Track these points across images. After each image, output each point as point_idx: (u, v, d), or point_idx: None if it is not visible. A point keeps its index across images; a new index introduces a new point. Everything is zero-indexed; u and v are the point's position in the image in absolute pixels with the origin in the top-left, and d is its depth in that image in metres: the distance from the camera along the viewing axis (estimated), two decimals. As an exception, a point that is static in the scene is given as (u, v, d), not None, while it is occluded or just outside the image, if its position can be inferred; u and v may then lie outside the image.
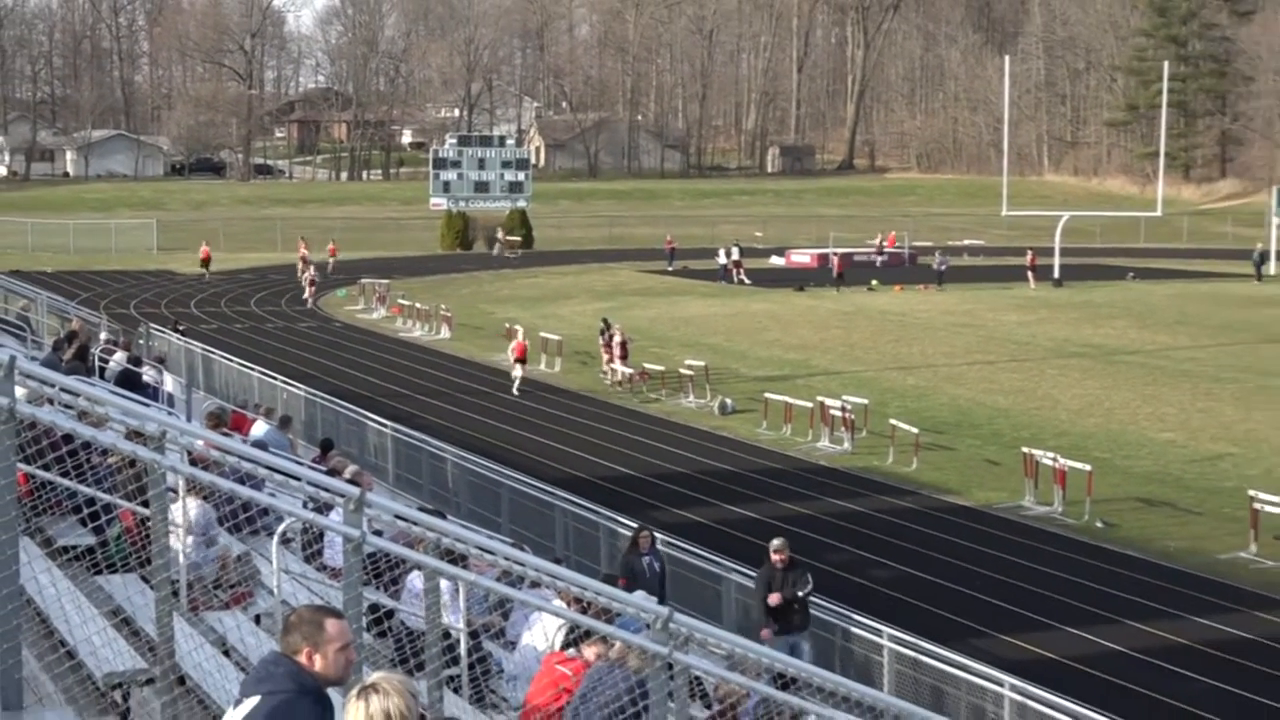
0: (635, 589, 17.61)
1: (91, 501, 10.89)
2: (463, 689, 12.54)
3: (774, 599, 20.17)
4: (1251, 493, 33.30)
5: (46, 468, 9.98)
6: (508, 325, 61.58)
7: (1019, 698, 19.98)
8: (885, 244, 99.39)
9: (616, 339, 52.97)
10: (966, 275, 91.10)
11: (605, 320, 56.70)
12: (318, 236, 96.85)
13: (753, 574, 25.20)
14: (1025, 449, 37.53)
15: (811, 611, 21.47)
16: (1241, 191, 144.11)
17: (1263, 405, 48.38)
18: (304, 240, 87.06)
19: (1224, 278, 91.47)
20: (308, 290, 76.38)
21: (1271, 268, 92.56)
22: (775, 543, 21.01)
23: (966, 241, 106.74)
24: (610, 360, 53.10)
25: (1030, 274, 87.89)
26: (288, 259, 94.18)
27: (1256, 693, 23.79)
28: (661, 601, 17.75)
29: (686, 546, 26.88)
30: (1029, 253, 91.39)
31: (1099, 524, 34.09)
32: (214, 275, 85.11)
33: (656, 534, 23.39)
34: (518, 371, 50.13)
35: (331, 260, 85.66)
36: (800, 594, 20.62)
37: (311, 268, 79.04)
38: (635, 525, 24.40)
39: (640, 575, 20.79)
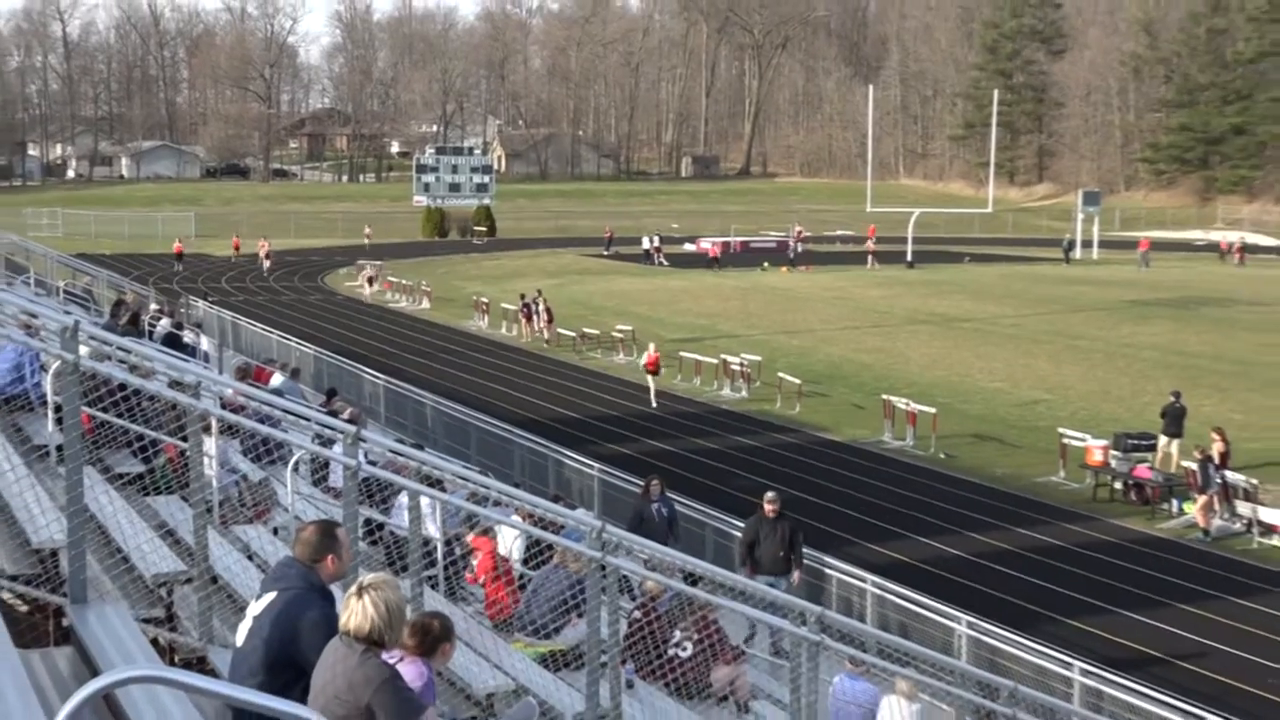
0: (642, 533, 17.24)
1: (141, 437, 10.82)
2: (439, 586, 12.51)
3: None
4: (1061, 430, 33.72)
5: (105, 410, 9.91)
6: (475, 297, 61.50)
7: (879, 592, 20.12)
8: (799, 233, 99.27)
9: (542, 307, 54.00)
10: (839, 259, 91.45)
11: (522, 295, 56.72)
12: (322, 228, 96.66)
13: (670, 496, 25.30)
14: (884, 396, 37.77)
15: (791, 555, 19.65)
16: (1054, 193, 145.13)
17: (1070, 361, 48.74)
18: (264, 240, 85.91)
19: (1040, 261, 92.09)
20: (266, 266, 77.01)
21: (1077, 253, 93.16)
22: (769, 495, 19.57)
23: (839, 231, 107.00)
24: (531, 325, 54.20)
25: (871, 258, 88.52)
26: (299, 245, 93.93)
27: (1066, 587, 24.04)
28: (668, 544, 17.55)
29: (619, 474, 26.91)
30: (868, 241, 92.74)
31: (942, 455, 34.32)
32: (239, 258, 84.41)
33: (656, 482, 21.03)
34: (651, 384, 41.26)
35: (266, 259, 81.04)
36: (785, 552, 18.92)
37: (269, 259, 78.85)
38: (646, 477, 21.98)
39: (649, 520, 19.36)
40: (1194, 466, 28.35)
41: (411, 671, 6.82)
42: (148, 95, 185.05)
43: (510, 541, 14.08)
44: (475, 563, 13.81)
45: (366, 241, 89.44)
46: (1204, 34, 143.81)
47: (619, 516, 21.64)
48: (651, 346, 42.39)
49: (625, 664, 10.20)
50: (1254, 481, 29.27)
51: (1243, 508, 28.03)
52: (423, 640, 7.06)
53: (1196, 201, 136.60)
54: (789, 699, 10.44)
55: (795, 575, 18.61)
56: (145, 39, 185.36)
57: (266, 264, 76.67)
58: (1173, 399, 33.13)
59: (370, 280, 62.20)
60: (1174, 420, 32.38)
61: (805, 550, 20.22)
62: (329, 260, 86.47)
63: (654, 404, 40.17)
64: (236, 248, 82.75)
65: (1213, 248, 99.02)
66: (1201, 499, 27.92)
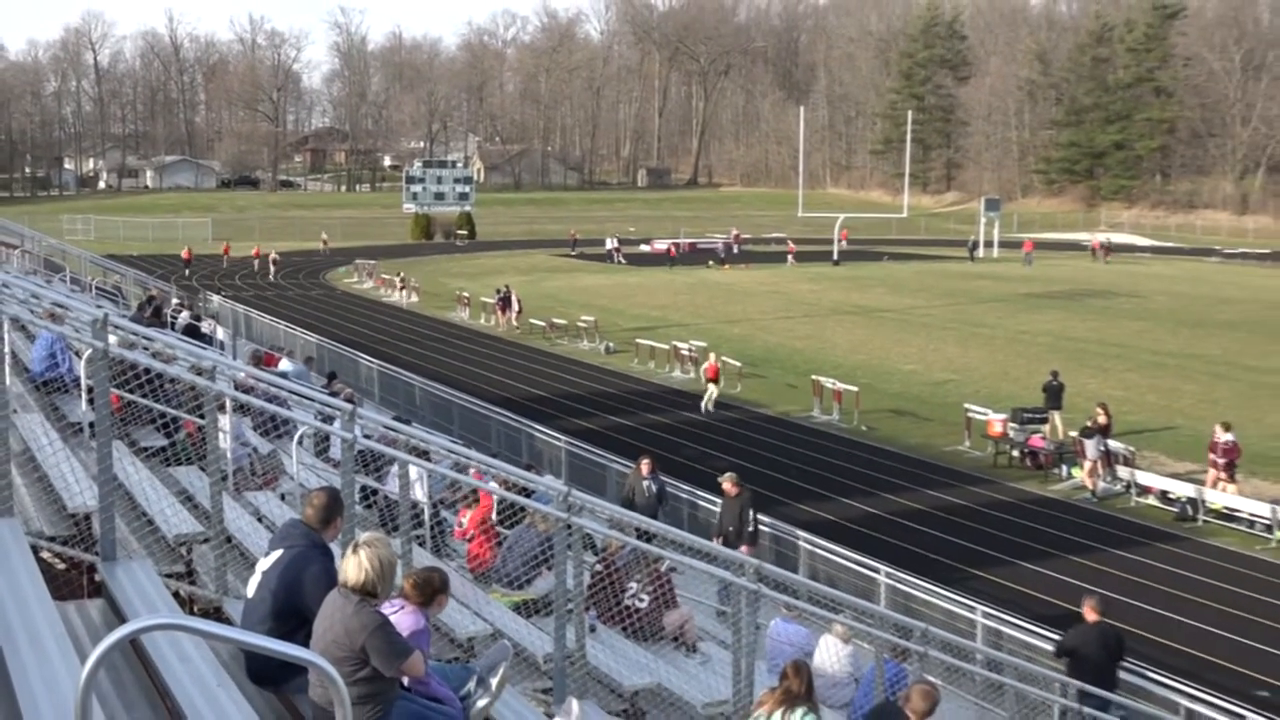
0: (634, 507, 16.99)
1: (164, 415, 10.79)
2: (426, 544, 12.51)
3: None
4: (966, 406, 33.87)
5: (132, 391, 9.88)
6: (458, 292, 61.32)
7: (809, 546, 20.21)
8: (735, 236, 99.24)
9: (514, 298, 54.64)
10: (774, 258, 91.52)
11: (498, 289, 57.01)
12: (320, 233, 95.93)
13: (626, 463, 25.31)
14: (814, 376, 37.89)
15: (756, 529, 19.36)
16: (960, 200, 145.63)
17: (975, 346, 48.99)
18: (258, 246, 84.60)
19: (948, 259, 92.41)
20: (272, 271, 75.28)
21: (980, 252, 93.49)
22: (726, 475, 19.10)
23: (775, 234, 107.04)
24: (505, 315, 54.32)
25: (790, 257, 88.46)
26: (304, 247, 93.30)
27: (970, 541, 24.20)
28: (657, 517, 17.47)
29: (584, 446, 26.91)
30: (788, 242, 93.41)
31: (864, 427, 34.47)
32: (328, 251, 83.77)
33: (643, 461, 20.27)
34: (712, 390, 36.46)
35: (256, 260, 79.53)
36: (736, 526, 18.44)
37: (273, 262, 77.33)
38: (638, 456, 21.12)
39: (640, 495, 19.06)
40: (1080, 435, 28.66)
41: (410, 620, 6.82)
42: (169, 115, 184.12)
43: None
44: (466, 518, 13.79)
45: (323, 246, 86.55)
46: (1089, 62, 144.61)
47: (583, 482, 21.69)
48: (712, 356, 37.91)
49: (588, 611, 10.20)
50: (1132, 449, 29.59)
51: (1123, 472, 28.31)
52: (423, 591, 7.06)
53: (1083, 207, 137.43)
54: (731, 640, 10.46)
55: (743, 548, 18.35)
56: (167, 66, 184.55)
57: (272, 268, 75.51)
58: (1051, 377, 33.49)
59: (402, 287, 60.41)
60: (1053, 396, 32.78)
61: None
62: (330, 260, 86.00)
63: (707, 409, 35.82)
64: (257, 255, 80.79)
65: (1105, 246, 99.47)
66: (1087, 464, 28.19)
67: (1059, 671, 15.12)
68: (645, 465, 19.59)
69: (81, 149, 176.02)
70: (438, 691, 6.82)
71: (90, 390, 9.12)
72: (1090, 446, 28.07)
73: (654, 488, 19.38)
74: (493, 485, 12.71)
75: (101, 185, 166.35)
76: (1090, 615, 15.03)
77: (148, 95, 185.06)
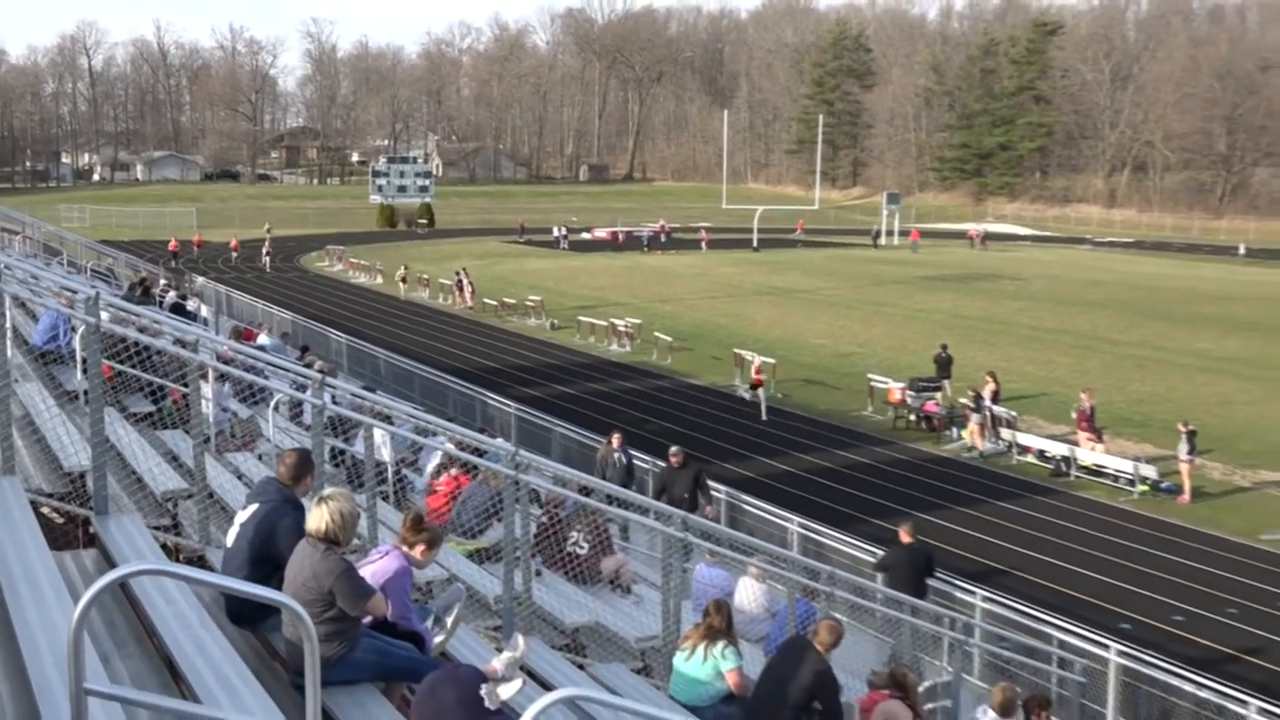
0: (605, 477, 16.61)
1: (152, 384, 10.67)
2: (389, 498, 12.46)
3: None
4: (869, 375, 34.11)
5: (123, 363, 9.77)
6: (419, 275, 60.92)
7: (730, 499, 20.29)
8: (662, 225, 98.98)
9: (467, 281, 54.36)
10: (696, 245, 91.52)
11: (457, 272, 56.62)
12: (297, 220, 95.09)
13: (569, 428, 25.31)
14: (736, 350, 37.97)
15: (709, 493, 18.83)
16: (866, 194, 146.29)
17: (877, 323, 49.30)
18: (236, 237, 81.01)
19: (854, 246, 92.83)
20: (266, 261, 71.28)
21: (882, 240, 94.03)
22: (673, 449, 18.46)
23: (701, 223, 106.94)
24: (462, 295, 53.95)
25: (703, 245, 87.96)
26: (279, 234, 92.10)
27: (872, 495, 24.38)
28: (629, 486, 17.19)
29: (531, 412, 26.87)
30: (702, 231, 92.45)
31: (779, 395, 34.58)
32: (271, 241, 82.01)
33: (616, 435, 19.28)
34: (761, 396, 32.31)
35: (234, 253, 73.68)
36: (690, 494, 17.51)
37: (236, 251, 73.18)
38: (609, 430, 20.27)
39: (610, 466, 18.31)
40: (968, 401, 28.98)
41: (392, 564, 6.80)
42: (157, 115, 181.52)
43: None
44: (441, 483, 13.68)
45: (266, 235, 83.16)
46: (978, 73, 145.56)
47: (530, 444, 21.65)
48: (757, 360, 33.76)
49: (534, 557, 10.21)
50: (1013, 413, 29.92)
51: (1005, 433, 28.63)
52: (418, 532, 7.07)
53: (972, 201, 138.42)
54: (661, 583, 10.50)
55: (707, 509, 18.09)
56: (155, 70, 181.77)
57: (234, 255, 71.90)
58: (941, 350, 33.75)
59: (404, 280, 57.74)
60: (942, 366, 33.03)
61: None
62: (301, 245, 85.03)
63: (764, 418, 31.41)
64: (235, 248, 77.08)
65: (982, 235, 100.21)
66: (973, 426, 28.50)
67: (953, 609, 15.31)
68: (615, 439, 19.00)
69: (77, 145, 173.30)
70: (416, 627, 6.84)
71: (84, 362, 9.00)
72: (973, 413, 28.50)
73: (623, 460, 18.88)
74: (449, 446, 12.68)
75: (95, 178, 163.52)
76: (905, 538, 16.02)
77: (138, 96, 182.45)
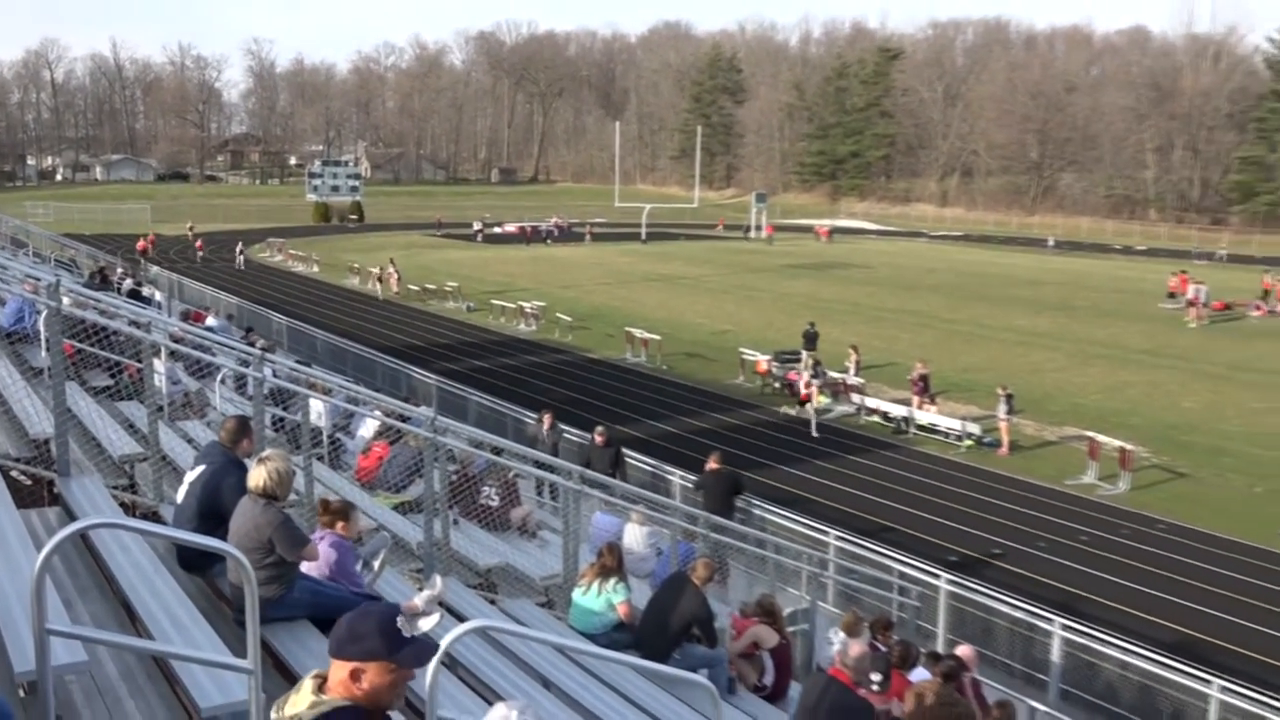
0: (537, 448, 16.07)
1: (110, 360, 10.43)
2: (324, 459, 12.30)
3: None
4: (741, 349, 34.41)
5: (83, 342, 9.54)
6: (351, 264, 59.98)
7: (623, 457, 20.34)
8: (555, 221, 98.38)
9: (392, 270, 52.84)
10: (598, 238, 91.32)
11: (391, 260, 55.69)
12: (241, 216, 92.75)
13: (484, 397, 25.18)
14: (627, 328, 38.05)
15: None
16: (739, 194, 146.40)
17: (747, 304, 49.67)
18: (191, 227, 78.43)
19: (728, 240, 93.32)
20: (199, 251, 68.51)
21: (752, 234, 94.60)
22: (598, 428, 18.13)
23: (596, 219, 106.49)
24: (392, 282, 52.11)
25: (588, 237, 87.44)
26: (227, 228, 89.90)
27: (744, 451, 24.58)
28: (556, 455, 16.78)
29: (450, 383, 26.67)
30: (587, 225, 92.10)
31: (664, 367, 34.78)
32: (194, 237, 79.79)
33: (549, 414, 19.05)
34: (811, 412, 27.47)
35: (149, 246, 65.67)
36: (609, 470, 16.69)
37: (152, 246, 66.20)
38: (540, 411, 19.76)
39: (540, 442, 17.83)
40: (806, 370, 29.37)
41: (330, 551, 6.80)
42: (114, 122, 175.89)
43: (373, 429, 13.83)
44: (369, 451, 13.50)
45: (189, 232, 78.98)
46: (833, 91, 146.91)
47: (449, 411, 21.46)
48: (806, 376, 29.69)
49: (452, 508, 10.16)
50: (862, 380, 30.40)
51: (856, 397, 29.09)
52: (329, 514, 7.09)
53: (828, 201, 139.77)
54: (562, 529, 10.53)
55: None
56: (112, 83, 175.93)
57: (148, 249, 64.08)
58: (809, 326, 34.09)
59: (380, 280, 54.64)
60: (809, 340, 33.31)
61: (575, 429, 20.36)
62: (246, 237, 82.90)
63: (814, 434, 26.74)
64: (201, 248, 72.64)
65: (829, 231, 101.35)
66: (814, 388, 28.82)
67: (809, 546, 15.55)
68: (547, 417, 18.78)
69: (41, 149, 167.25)
70: (351, 573, 6.83)
71: (47, 341, 8.76)
72: (809, 379, 28.99)
73: (553, 435, 18.72)
74: (378, 414, 12.56)
75: (58, 178, 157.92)
76: (714, 465, 16.52)
77: (96, 105, 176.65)
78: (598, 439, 17.68)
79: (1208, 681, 12.29)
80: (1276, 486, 22.90)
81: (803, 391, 28.70)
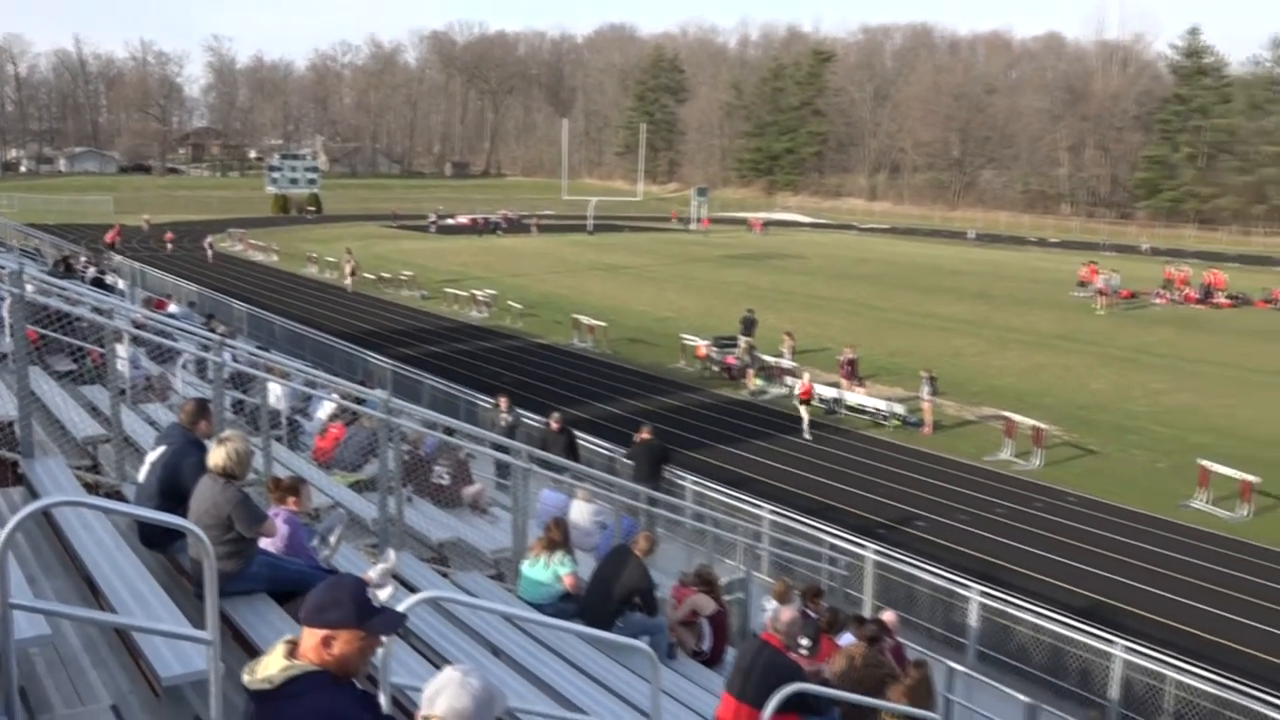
0: (496, 432, 16.03)
1: (73, 345, 10.25)
2: (284, 440, 12.17)
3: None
4: (682, 335, 34.45)
5: (47, 328, 9.36)
6: (309, 253, 59.24)
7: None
8: (503, 214, 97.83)
9: (350, 262, 51.09)
10: (546, 229, 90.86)
11: (348, 250, 54.78)
12: (201, 207, 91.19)
13: (437, 380, 25.03)
14: (574, 315, 37.96)
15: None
16: (680, 188, 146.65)
17: (689, 293, 49.72)
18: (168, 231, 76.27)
19: (670, 231, 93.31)
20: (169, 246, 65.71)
21: (692, 225, 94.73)
22: (554, 414, 17.96)
23: (545, 211, 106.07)
24: (353, 274, 49.89)
25: (534, 229, 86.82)
26: (187, 219, 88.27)
27: (684, 431, 24.67)
28: (514, 437, 16.62)
29: (405, 367, 26.49)
30: (534, 217, 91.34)
31: (610, 351, 34.76)
32: (149, 229, 78.32)
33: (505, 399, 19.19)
34: (804, 413, 25.34)
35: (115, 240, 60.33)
36: (565, 456, 15.96)
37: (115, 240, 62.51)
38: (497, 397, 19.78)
39: (498, 426, 17.79)
40: (739, 355, 29.54)
41: (284, 526, 6.73)
42: (78, 116, 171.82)
43: (329, 411, 13.70)
44: (326, 433, 13.36)
45: (144, 225, 76.88)
46: (770, 91, 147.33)
47: (403, 394, 21.31)
48: (806, 376, 27.66)
49: (406, 486, 10.12)
50: (797, 364, 30.61)
51: (790, 380, 29.28)
52: (280, 490, 7.04)
53: (764, 194, 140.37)
54: (511, 505, 10.52)
55: None
56: (75, 77, 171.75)
57: (115, 241, 58.76)
58: (748, 313, 34.19)
59: (353, 271, 50.32)
60: (747, 326, 33.37)
61: (530, 414, 20.29)
62: (209, 228, 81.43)
63: (807, 435, 24.98)
64: (169, 239, 71.07)
65: (762, 223, 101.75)
66: (751, 373, 29.05)
67: (745, 521, 15.66)
68: (504, 402, 18.63)
69: (5, 141, 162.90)
70: (304, 547, 6.78)
71: (11, 326, 8.58)
72: (752, 360, 29.08)
73: (510, 420, 18.66)
74: (335, 396, 12.44)
75: (23, 170, 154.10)
76: (644, 435, 17.00)
77: (60, 100, 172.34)
78: (553, 425, 17.58)
79: (1112, 642, 12.58)
80: (1178, 462, 23.42)
81: (801, 391, 26.15)
